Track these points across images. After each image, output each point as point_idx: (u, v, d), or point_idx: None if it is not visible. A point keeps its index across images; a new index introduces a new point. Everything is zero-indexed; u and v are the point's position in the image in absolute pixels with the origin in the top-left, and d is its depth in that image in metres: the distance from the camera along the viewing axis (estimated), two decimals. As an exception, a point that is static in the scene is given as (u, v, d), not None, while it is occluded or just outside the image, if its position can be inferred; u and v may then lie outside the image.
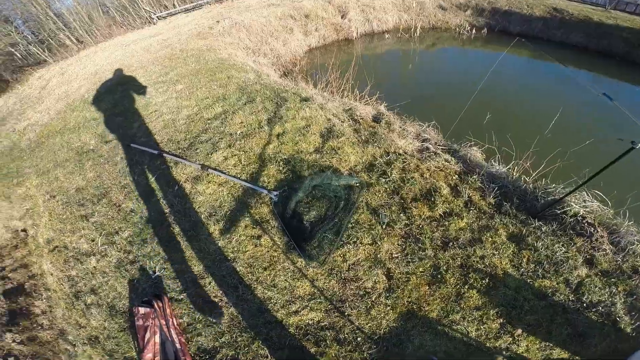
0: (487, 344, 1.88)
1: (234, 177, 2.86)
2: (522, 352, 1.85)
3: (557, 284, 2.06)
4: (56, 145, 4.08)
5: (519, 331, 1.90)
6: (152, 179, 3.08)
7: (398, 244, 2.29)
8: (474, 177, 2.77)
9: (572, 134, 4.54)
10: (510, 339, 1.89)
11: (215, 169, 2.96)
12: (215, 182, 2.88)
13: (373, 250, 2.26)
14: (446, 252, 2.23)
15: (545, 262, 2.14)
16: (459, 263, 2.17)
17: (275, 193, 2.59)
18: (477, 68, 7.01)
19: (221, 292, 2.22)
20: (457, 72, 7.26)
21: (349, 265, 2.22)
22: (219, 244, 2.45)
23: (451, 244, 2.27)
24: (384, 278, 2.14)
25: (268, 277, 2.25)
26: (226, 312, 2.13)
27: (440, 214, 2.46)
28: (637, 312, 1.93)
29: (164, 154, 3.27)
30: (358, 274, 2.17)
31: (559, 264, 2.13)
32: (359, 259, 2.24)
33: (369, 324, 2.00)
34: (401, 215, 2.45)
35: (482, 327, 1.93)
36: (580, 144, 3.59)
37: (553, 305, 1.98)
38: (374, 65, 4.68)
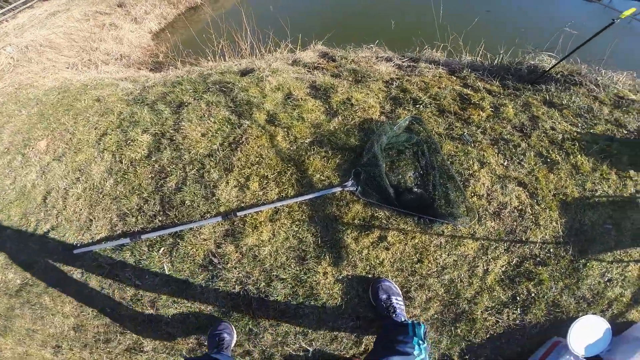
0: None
1: (281, 200, 2.09)
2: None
3: (606, 124, 2.36)
4: None
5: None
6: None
7: (497, 153, 2.17)
8: (464, 73, 2.86)
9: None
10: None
11: (244, 208, 2.08)
12: (259, 221, 2.05)
13: (489, 171, 2.09)
14: (530, 138, 2.25)
15: (583, 112, 2.39)
16: (547, 142, 2.22)
17: (349, 183, 2.02)
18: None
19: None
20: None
21: (486, 198, 2.01)
22: (352, 271, 1.90)
23: (523, 129, 2.31)
24: (519, 187, 2.04)
25: (429, 266, 1.85)
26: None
27: (490, 111, 2.44)
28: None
29: (142, 235, 2.10)
30: (500, 200, 2.00)
31: (589, 110, 2.39)
32: (487, 187, 2.04)
33: (546, 234, 1.91)
34: (470, 127, 2.32)
35: (604, 183, 2.09)
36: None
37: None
38: (249, 17, 4.01)
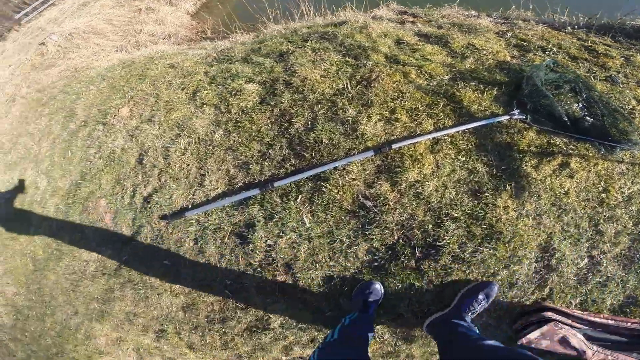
0: None
1: (440, 130, 1.89)
2: None
3: None
4: None
5: None
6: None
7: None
8: (569, 29, 2.83)
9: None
10: None
11: (397, 141, 1.87)
12: (418, 152, 1.84)
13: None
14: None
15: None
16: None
17: (516, 111, 1.88)
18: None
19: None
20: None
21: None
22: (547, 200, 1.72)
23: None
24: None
25: (615, 195, 1.70)
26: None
27: (622, 59, 2.38)
28: None
29: (274, 183, 1.86)
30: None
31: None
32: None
33: None
34: (611, 72, 2.25)
35: None
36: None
37: None
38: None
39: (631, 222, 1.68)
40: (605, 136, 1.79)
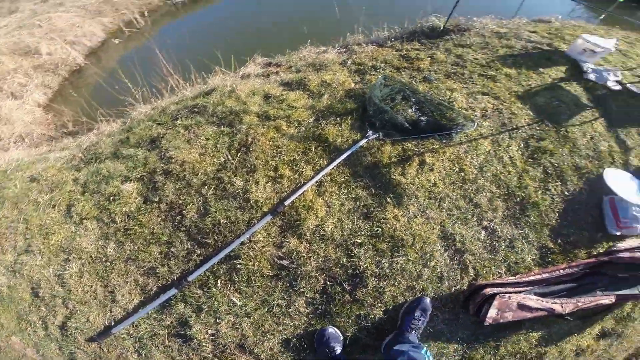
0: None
1: (318, 172, 1.85)
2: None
3: (502, 48, 2.80)
4: None
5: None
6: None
7: (455, 81, 2.35)
8: (389, 43, 3.06)
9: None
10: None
11: (287, 197, 1.78)
12: (309, 200, 1.78)
13: (459, 93, 2.23)
14: (466, 68, 2.50)
15: (483, 46, 2.79)
16: (479, 66, 2.49)
17: (370, 132, 1.92)
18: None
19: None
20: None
21: (471, 109, 2.14)
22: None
23: (458, 64, 2.57)
24: (484, 96, 2.23)
25: (471, 170, 1.85)
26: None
27: (429, 59, 2.64)
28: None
29: (188, 278, 1.61)
30: (479, 107, 2.15)
31: (486, 44, 2.81)
32: (465, 102, 2.18)
33: (525, 118, 2.13)
34: (424, 72, 2.47)
35: (530, 79, 2.46)
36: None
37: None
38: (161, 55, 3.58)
39: (494, 186, 1.84)
40: (440, 128, 1.92)
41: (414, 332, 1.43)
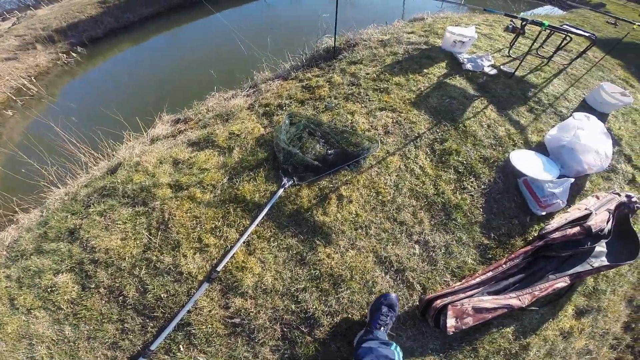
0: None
1: (243, 233, 1.80)
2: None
3: (388, 56, 3.00)
4: None
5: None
6: None
7: (353, 102, 2.47)
8: (293, 74, 3.13)
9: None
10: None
11: (219, 263, 1.73)
12: (241, 261, 1.73)
13: (359, 114, 2.35)
14: (361, 85, 2.64)
15: (372, 58, 2.99)
16: (371, 81, 2.66)
17: (285, 180, 1.92)
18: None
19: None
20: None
21: (373, 128, 2.25)
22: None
23: (353, 82, 2.70)
24: (382, 112, 2.37)
25: (387, 190, 1.94)
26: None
27: (327, 85, 2.74)
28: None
29: (150, 347, 1.53)
30: (380, 124, 2.28)
31: (374, 55, 3.03)
32: (366, 122, 2.29)
33: (423, 125, 2.30)
34: (325, 99, 2.55)
35: (419, 83, 2.67)
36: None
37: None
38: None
39: (413, 200, 1.93)
40: (348, 157, 1.99)
41: (382, 328, 1.42)
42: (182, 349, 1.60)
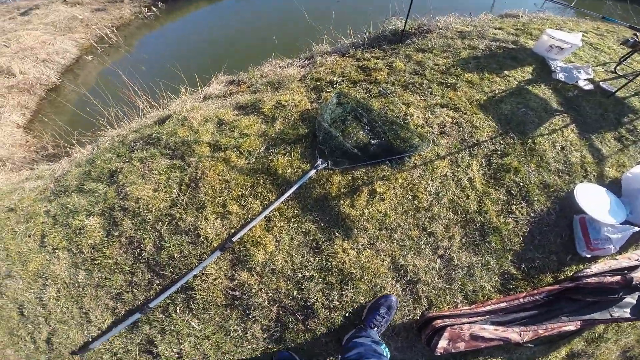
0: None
1: (266, 208, 1.76)
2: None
3: (465, 50, 2.65)
4: None
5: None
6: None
7: (412, 93, 2.23)
8: (352, 52, 2.93)
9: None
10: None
11: (236, 233, 1.72)
12: (257, 236, 1.71)
13: (415, 107, 2.12)
14: (425, 76, 2.37)
15: (446, 48, 2.65)
16: (439, 73, 2.37)
17: (319, 162, 1.81)
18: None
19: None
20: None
21: (428, 125, 2.02)
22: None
23: (417, 72, 2.44)
24: (443, 109, 2.11)
25: (425, 196, 1.76)
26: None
27: (387, 69, 2.51)
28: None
29: (149, 304, 1.62)
30: (437, 122, 2.03)
31: (448, 46, 2.69)
32: (421, 117, 2.06)
33: (487, 131, 2.01)
34: (381, 84, 2.34)
35: (494, 84, 2.33)
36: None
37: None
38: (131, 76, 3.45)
39: (450, 212, 1.74)
40: (392, 152, 1.81)
41: (376, 328, 1.42)
42: (178, 311, 1.66)
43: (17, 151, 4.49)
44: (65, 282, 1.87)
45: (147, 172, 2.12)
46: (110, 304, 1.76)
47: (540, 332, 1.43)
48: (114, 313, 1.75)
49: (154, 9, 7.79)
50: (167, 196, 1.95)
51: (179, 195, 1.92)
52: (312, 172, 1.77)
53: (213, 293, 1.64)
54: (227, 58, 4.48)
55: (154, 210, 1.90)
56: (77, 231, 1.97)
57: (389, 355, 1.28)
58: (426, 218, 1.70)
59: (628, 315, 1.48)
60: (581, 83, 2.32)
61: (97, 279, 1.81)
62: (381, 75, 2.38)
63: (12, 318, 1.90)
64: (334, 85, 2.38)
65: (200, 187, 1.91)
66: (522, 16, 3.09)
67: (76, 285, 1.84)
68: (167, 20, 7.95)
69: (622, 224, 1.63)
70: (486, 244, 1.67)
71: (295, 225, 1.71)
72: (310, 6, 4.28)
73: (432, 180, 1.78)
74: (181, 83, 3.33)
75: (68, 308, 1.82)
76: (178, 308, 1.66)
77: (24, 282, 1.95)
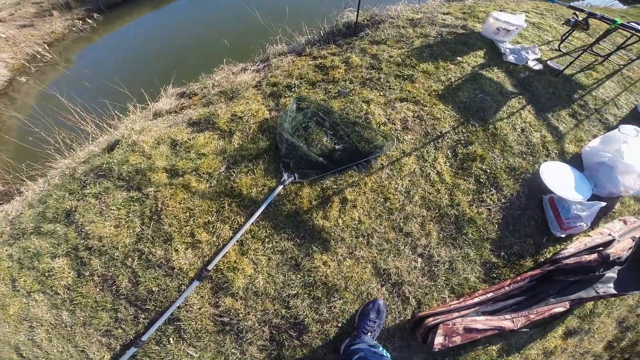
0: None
1: (237, 232, 1.67)
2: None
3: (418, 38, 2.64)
4: None
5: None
6: None
7: (371, 89, 2.19)
8: (308, 50, 2.83)
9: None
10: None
11: (210, 261, 1.63)
12: (233, 261, 1.63)
13: (375, 104, 2.08)
14: (382, 70, 2.33)
15: (399, 39, 2.63)
16: (395, 66, 2.34)
17: (285, 176, 1.74)
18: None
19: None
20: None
21: (390, 122, 2.00)
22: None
23: (373, 66, 2.39)
24: (402, 103, 2.09)
25: (396, 197, 1.74)
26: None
27: (344, 66, 2.45)
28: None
29: (141, 338, 1.56)
30: (399, 117, 2.02)
31: (401, 35, 2.67)
32: (383, 115, 2.04)
33: (448, 122, 2.02)
34: (339, 83, 2.28)
35: (450, 72, 2.34)
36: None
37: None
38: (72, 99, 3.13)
39: (424, 209, 1.74)
40: (358, 155, 1.77)
41: (369, 334, 1.43)
42: (172, 342, 1.59)
43: (-41, 194, 3.99)
44: (51, 323, 1.77)
45: (104, 208, 1.95)
46: (104, 340, 1.69)
47: (532, 316, 1.48)
48: (110, 349, 1.68)
49: (89, 20, 7.13)
50: (131, 231, 1.81)
51: (142, 229, 1.79)
52: (280, 189, 1.70)
53: (201, 321, 1.59)
54: (176, 67, 4.20)
55: (120, 247, 1.77)
56: (46, 273, 1.83)
57: (389, 356, 1.29)
58: (401, 219, 1.69)
59: (613, 291, 1.56)
60: (530, 63, 2.40)
61: (82, 318, 1.72)
62: (339, 73, 2.32)
63: (11, 358, 1.78)
64: (292, 89, 2.29)
65: (163, 218, 1.77)
66: (467, -1, 3.14)
67: (63, 325, 1.75)
68: (107, 30, 7.33)
69: (589, 199, 1.70)
70: (463, 236, 1.69)
71: (270, 245, 1.64)
72: (263, 4, 4.09)
73: (402, 179, 1.78)
74: (128, 100, 3.07)
75: (64, 347, 1.73)
76: (171, 339, 1.61)
77: (10, 326, 1.82)
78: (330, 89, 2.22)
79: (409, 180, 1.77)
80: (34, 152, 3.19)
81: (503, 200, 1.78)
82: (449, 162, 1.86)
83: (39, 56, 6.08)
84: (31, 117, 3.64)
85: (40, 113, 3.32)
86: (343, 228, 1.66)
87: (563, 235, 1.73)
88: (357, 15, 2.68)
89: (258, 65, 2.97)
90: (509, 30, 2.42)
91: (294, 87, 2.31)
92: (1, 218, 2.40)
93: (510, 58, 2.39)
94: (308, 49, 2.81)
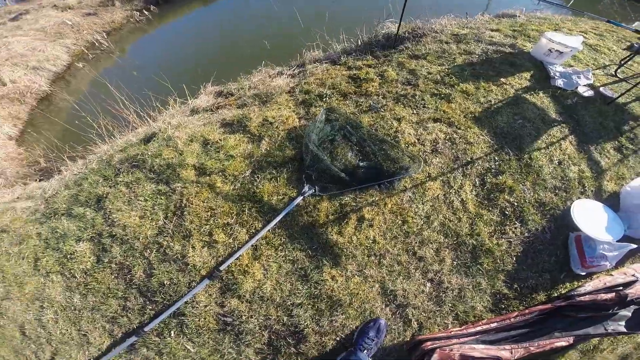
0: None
1: (253, 236, 1.73)
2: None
3: (460, 55, 2.56)
4: None
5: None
6: None
7: (404, 107, 2.15)
8: (343, 59, 2.84)
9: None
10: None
11: (223, 262, 1.70)
12: (245, 264, 1.69)
13: (407, 122, 2.05)
14: (419, 86, 2.29)
15: (440, 54, 2.57)
16: (432, 83, 2.29)
17: (306, 188, 1.76)
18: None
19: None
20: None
21: (419, 143, 1.96)
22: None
23: (409, 82, 2.35)
24: (436, 123, 2.04)
25: (415, 221, 1.71)
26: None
27: (378, 79, 2.43)
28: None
29: (144, 328, 1.64)
30: (430, 139, 1.96)
31: (443, 51, 2.59)
32: (413, 134, 2.00)
33: (481, 147, 1.95)
34: (372, 97, 2.27)
35: (491, 94, 2.25)
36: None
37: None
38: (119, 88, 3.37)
39: (441, 236, 1.69)
40: (382, 175, 1.76)
41: (366, 351, 1.43)
42: (172, 335, 1.66)
43: (9, 165, 4.43)
44: (61, 305, 1.88)
45: (133, 197, 2.09)
46: (107, 327, 1.78)
47: (532, 349, 1.40)
48: (112, 335, 1.77)
49: (146, 12, 7.67)
50: (154, 224, 1.93)
51: (165, 223, 1.90)
52: (299, 199, 1.72)
53: (205, 319, 1.64)
54: (219, 64, 4.40)
55: (141, 238, 1.89)
56: (69, 256, 1.97)
57: None
58: (416, 243, 1.66)
59: (623, 329, 1.45)
60: (581, 89, 2.22)
61: (92, 303, 1.83)
62: (372, 86, 2.31)
63: (15, 338, 1.92)
64: (324, 99, 2.31)
65: (186, 215, 1.87)
66: (519, 16, 2.97)
67: (72, 308, 1.86)
68: (160, 23, 7.83)
69: (620, 239, 1.58)
70: (477, 266, 1.63)
71: (283, 253, 1.68)
72: (305, 5, 4.17)
73: (423, 204, 1.73)
74: (170, 94, 3.27)
75: (67, 330, 1.83)
76: (172, 332, 1.68)
77: (22, 304, 1.96)
78: (362, 102, 2.21)
79: (430, 206, 1.72)
80: (79, 135, 3.50)
81: (527, 234, 1.69)
82: (475, 190, 1.78)
83: (97, 44, 6.64)
84: (81, 102, 4.01)
85: (89, 99, 3.63)
86: (356, 245, 1.65)
87: (583, 273, 1.62)
88: (399, 26, 2.65)
89: (294, 70, 3.03)
90: (561, 52, 2.25)
91: (326, 96, 2.33)
92: (39, 195, 2.62)
93: (559, 82, 2.23)
94: (344, 58, 2.82)
